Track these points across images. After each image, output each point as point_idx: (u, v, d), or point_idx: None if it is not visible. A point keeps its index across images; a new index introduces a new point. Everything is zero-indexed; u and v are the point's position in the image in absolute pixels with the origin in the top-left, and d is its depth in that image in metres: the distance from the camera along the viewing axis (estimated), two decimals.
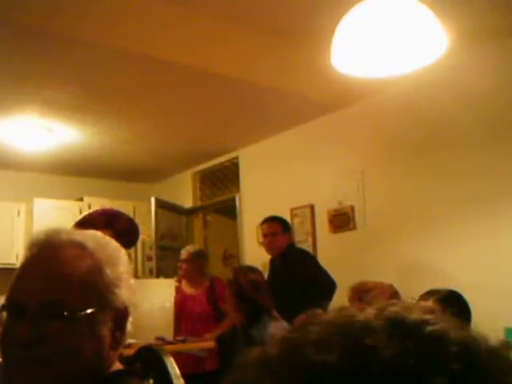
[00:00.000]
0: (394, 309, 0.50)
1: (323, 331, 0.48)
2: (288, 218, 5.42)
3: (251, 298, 3.23)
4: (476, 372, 0.45)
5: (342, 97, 4.76)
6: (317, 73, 4.00)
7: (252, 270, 3.59)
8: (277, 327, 3.06)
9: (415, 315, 0.49)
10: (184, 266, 4.72)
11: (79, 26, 3.56)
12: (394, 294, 2.86)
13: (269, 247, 4.42)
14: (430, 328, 0.47)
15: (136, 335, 3.65)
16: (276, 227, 4.38)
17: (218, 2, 3.48)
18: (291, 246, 4.47)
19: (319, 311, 0.52)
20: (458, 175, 4.16)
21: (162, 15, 3.60)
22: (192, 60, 4.05)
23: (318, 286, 4.00)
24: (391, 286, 2.95)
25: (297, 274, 4.10)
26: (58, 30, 3.54)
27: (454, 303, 2.22)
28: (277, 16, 3.65)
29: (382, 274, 3.73)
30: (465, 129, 4.15)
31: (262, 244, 4.58)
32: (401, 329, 0.47)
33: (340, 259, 4.89)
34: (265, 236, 4.41)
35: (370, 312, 0.49)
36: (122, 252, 1.15)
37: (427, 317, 0.49)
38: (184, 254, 4.78)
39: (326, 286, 4.03)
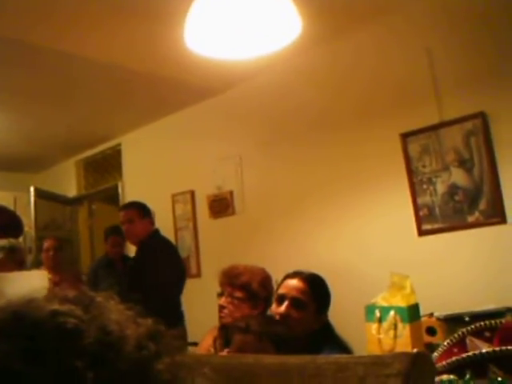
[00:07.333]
0: None
1: None
2: (169, 203, 5.44)
3: None
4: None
5: (219, 82, 4.79)
6: (192, 58, 4.00)
7: None
8: None
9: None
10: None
11: None
12: (265, 278, 2.91)
13: (127, 235, 4.23)
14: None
15: None
16: (132, 213, 4.13)
17: None
18: (153, 234, 4.18)
19: None
20: (330, 159, 4.30)
21: None
22: (63, 44, 3.94)
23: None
24: (263, 270, 2.98)
25: (149, 264, 3.88)
26: None
27: (317, 283, 2.36)
28: None
29: (261, 259, 3.78)
30: (335, 114, 4.30)
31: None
32: None
33: (220, 245, 4.96)
34: (122, 223, 4.17)
35: None
36: None
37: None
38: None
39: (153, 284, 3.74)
